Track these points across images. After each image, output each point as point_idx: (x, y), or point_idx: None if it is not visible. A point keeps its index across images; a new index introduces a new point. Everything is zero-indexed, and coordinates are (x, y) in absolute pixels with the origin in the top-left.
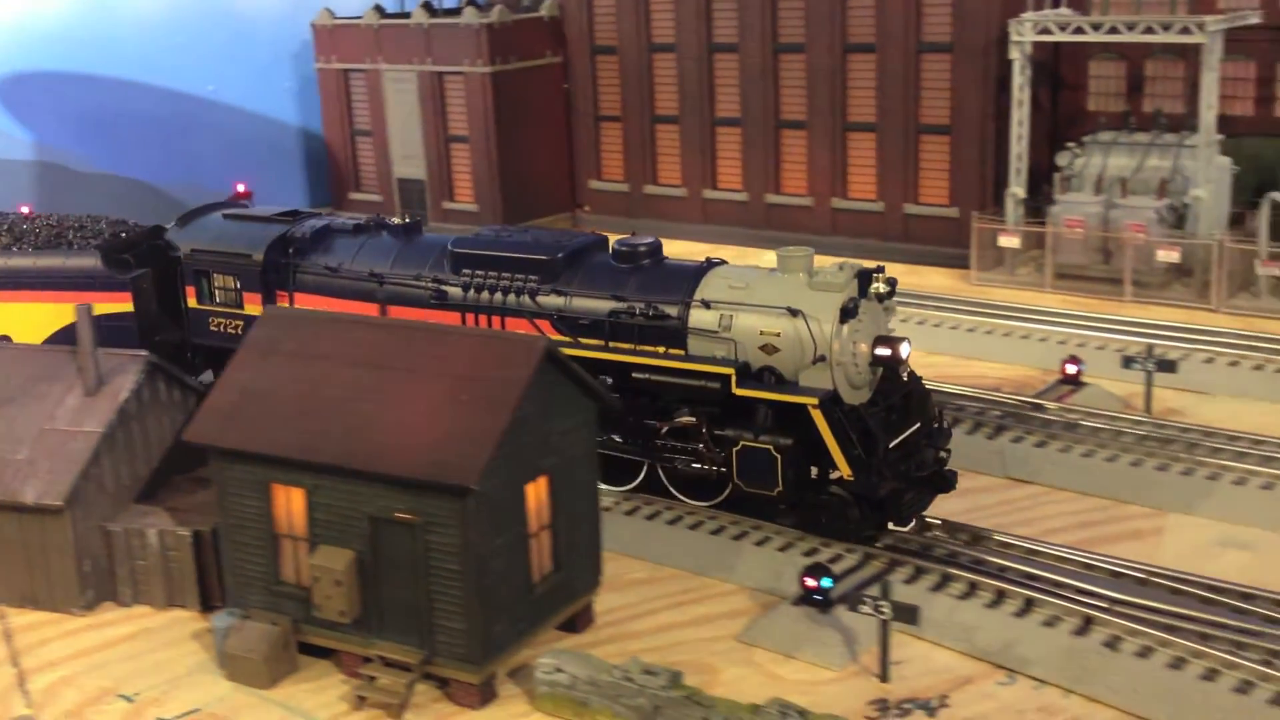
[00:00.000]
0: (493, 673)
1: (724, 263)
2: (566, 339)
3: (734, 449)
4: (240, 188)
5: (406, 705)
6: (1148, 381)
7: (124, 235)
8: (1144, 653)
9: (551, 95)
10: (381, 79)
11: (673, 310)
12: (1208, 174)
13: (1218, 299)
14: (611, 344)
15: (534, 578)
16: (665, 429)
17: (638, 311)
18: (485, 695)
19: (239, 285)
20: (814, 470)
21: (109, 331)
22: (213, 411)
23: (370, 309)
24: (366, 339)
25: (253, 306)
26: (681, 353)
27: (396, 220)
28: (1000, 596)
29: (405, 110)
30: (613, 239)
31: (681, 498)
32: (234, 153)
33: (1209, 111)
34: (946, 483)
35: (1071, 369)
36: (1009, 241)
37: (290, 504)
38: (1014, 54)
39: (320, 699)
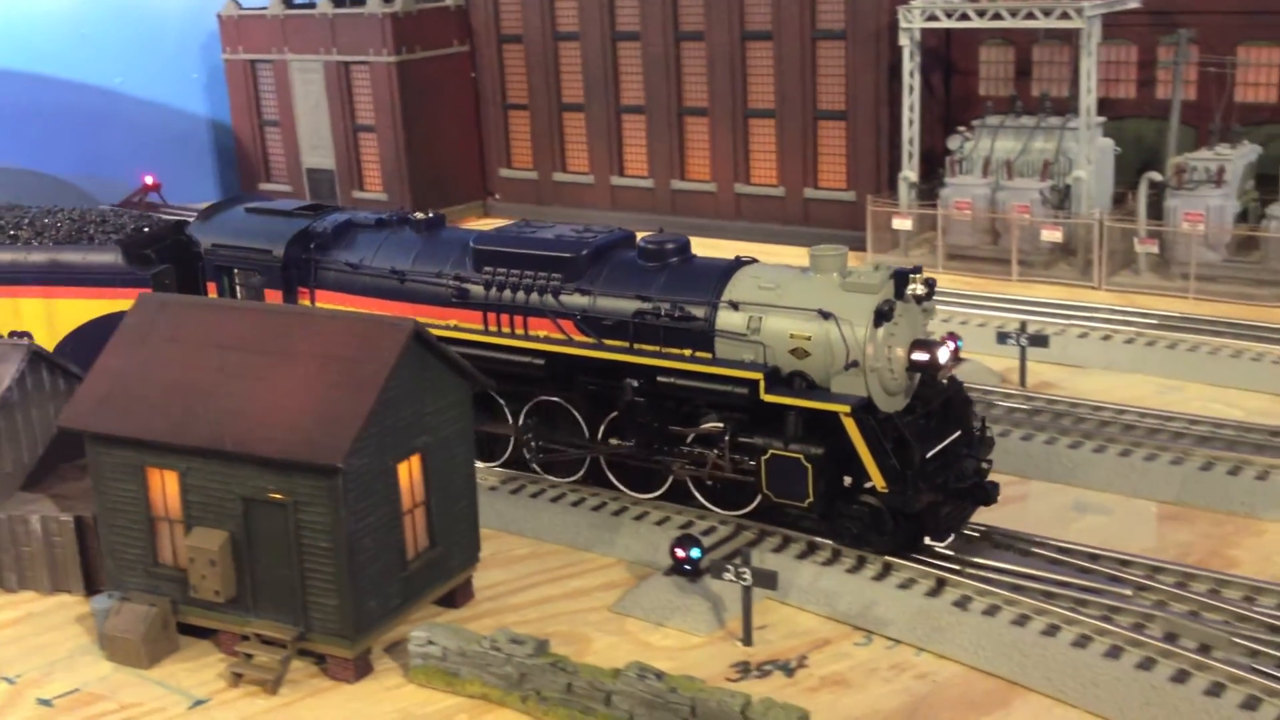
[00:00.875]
0: (368, 647)
1: (754, 261)
2: (591, 339)
3: (762, 458)
4: (148, 179)
5: (281, 681)
6: (1021, 356)
7: (147, 230)
8: (991, 611)
9: (459, 84)
10: (288, 69)
11: (699, 311)
12: (1089, 155)
13: (1099, 276)
14: (636, 345)
15: (408, 554)
16: (691, 436)
17: (663, 312)
18: (360, 669)
19: (260, 282)
20: (847, 480)
21: None
22: (87, 397)
23: (393, 307)
24: (238, 323)
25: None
26: (709, 356)
27: (419, 215)
28: (861, 562)
29: (312, 100)
30: (640, 235)
31: (711, 507)
32: (143, 145)
33: (1088, 95)
34: (988, 495)
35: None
36: (902, 224)
37: (165, 487)
38: (903, 40)
39: (199, 677)
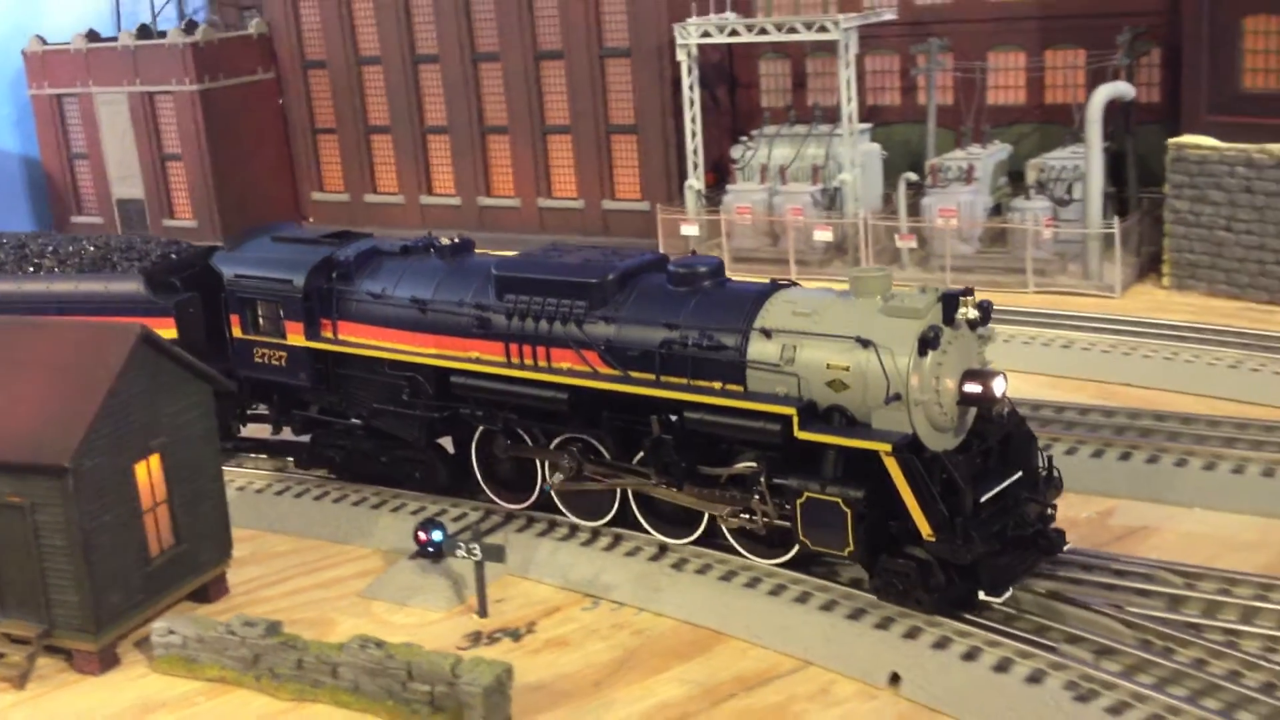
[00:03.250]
0: (113, 641)
1: (793, 284)
2: (616, 372)
3: (798, 501)
4: None
5: (29, 676)
6: None
7: (173, 257)
8: (703, 570)
9: (267, 111)
10: (94, 102)
11: (729, 340)
12: (854, 159)
13: None
14: (663, 378)
15: (152, 551)
16: (724, 478)
17: (690, 342)
18: (106, 662)
19: (281, 314)
20: (893, 524)
21: None
22: None
23: (414, 339)
24: None
25: (295, 336)
26: (739, 389)
27: (445, 240)
28: (594, 535)
29: (119, 132)
30: (674, 257)
31: (748, 555)
32: None
33: (849, 103)
34: (1052, 544)
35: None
36: (690, 230)
37: None
38: (681, 56)
39: None
